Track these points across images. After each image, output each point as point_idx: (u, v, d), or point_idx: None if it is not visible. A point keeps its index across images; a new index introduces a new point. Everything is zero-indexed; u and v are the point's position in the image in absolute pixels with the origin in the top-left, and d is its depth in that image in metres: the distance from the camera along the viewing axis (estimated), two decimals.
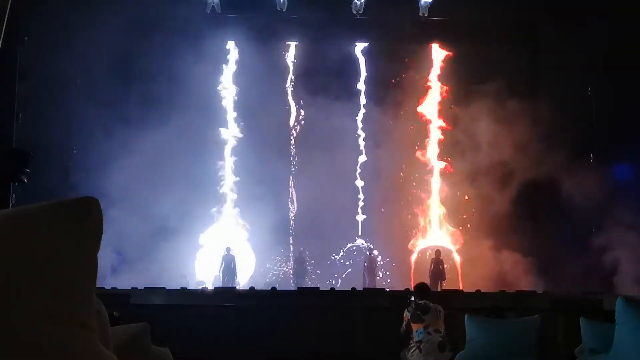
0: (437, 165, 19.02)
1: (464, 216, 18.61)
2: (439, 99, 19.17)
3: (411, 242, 18.67)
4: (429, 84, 19.19)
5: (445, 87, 19.09)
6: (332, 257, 18.48)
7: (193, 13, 17.72)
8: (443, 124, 19.03)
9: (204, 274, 18.10)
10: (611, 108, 15.18)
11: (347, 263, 18.51)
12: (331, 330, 10.74)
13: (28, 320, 1.18)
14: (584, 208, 15.72)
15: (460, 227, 18.57)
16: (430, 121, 19.15)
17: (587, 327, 5.42)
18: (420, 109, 19.03)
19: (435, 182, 18.98)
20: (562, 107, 15.89)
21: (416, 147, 18.98)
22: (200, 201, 18.35)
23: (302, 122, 18.99)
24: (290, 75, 19.31)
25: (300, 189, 18.79)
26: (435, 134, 19.11)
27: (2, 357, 1.14)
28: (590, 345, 5.32)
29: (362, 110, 19.11)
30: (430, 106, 19.14)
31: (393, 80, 18.80)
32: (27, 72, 13.09)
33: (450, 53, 18.90)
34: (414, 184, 19.06)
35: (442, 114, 19.08)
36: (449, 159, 18.80)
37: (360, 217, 18.78)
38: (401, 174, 18.90)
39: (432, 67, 19.27)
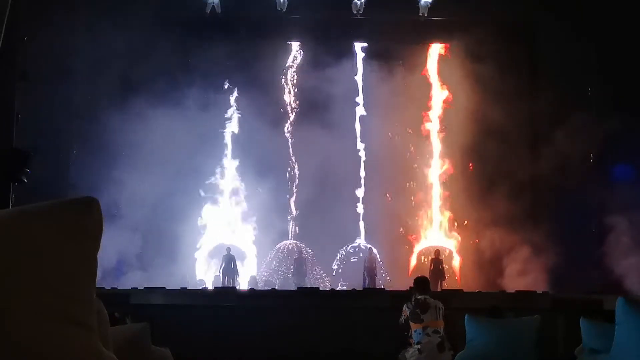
0: (437, 164, 19.06)
1: (465, 221, 18.62)
2: (438, 98, 19.19)
3: (411, 240, 18.71)
4: (428, 83, 19.22)
5: (444, 86, 19.12)
6: (332, 257, 18.48)
7: (193, 13, 17.78)
8: (442, 123, 19.07)
9: (204, 274, 18.14)
10: (611, 108, 15.15)
11: (352, 264, 18.47)
12: (331, 330, 10.73)
13: (28, 320, 1.18)
14: (584, 208, 15.72)
15: (457, 225, 18.62)
16: (429, 121, 19.19)
17: (587, 327, 5.41)
18: (420, 108, 19.06)
19: (435, 182, 19.02)
20: (562, 107, 15.88)
21: (415, 134, 18.99)
22: (202, 201, 18.44)
23: (301, 122, 18.97)
24: (290, 75, 19.34)
25: (300, 188, 18.82)
26: (435, 132, 19.14)
27: (3, 357, 1.14)
28: (590, 345, 5.31)
29: (362, 110, 19.14)
30: (429, 106, 19.19)
31: (398, 64, 18.73)
32: (27, 72, 13.06)
33: (449, 53, 18.91)
34: (414, 183, 19.09)
35: (441, 112, 19.12)
36: (448, 159, 18.87)
37: (361, 218, 18.80)
38: (402, 179, 18.92)
39: (431, 66, 19.29)
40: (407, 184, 18.96)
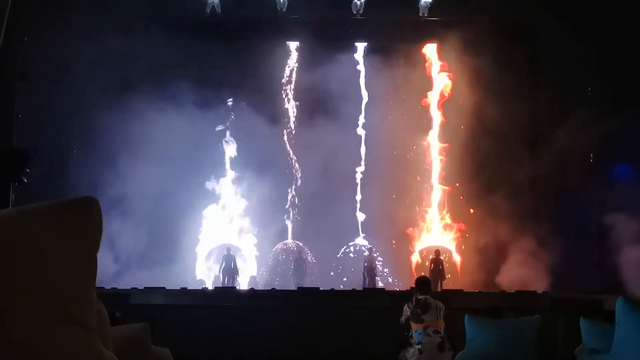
0: (437, 165, 19.07)
1: (462, 220, 18.63)
2: (438, 98, 19.20)
3: (412, 241, 18.71)
4: (428, 83, 19.22)
5: (444, 85, 19.12)
6: (332, 257, 18.47)
7: (193, 13, 17.79)
8: (442, 121, 19.09)
9: (204, 274, 18.14)
10: (611, 108, 15.16)
11: (352, 264, 18.46)
12: (331, 330, 10.74)
13: (28, 320, 1.18)
14: (584, 208, 15.71)
15: (459, 224, 18.62)
16: (430, 120, 19.20)
17: (587, 327, 5.42)
18: (420, 108, 19.07)
19: (436, 183, 19.03)
20: (562, 107, 15.89)
21: (416, 133, 19.00)
22: (202, 201, 18.44)
23: (301, 122, 18.96)
24: (290, 75, 19.34)
25: (300, 187, 18.82)
26: (436, 132, 19.15)
27: (3, 357, 1.14)
28: (590, 345, 5.32)
29: (363, 109, 19.15)
30: (430, 106, 19.21)
31: (398, 64, 18.71)
32: (27, 72, 13.06)
33: (449, 52, 18.91)
34: (415, 180, 19.10)
35: (442, 113, 19.13)
36: (447, 151, 18.89)
37: (360, 217, 18.80)
38: (403, 178, 18.91)
39: (431, 66, 19.30)
40: (408, 182, 18.95)
